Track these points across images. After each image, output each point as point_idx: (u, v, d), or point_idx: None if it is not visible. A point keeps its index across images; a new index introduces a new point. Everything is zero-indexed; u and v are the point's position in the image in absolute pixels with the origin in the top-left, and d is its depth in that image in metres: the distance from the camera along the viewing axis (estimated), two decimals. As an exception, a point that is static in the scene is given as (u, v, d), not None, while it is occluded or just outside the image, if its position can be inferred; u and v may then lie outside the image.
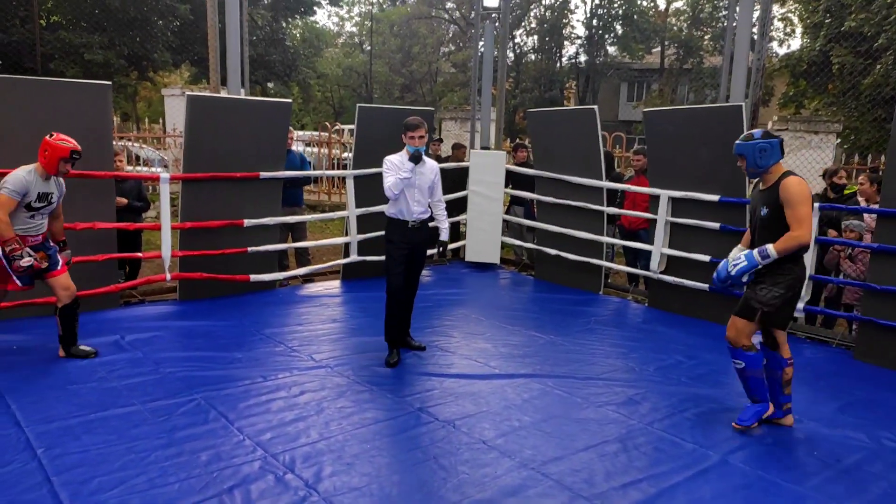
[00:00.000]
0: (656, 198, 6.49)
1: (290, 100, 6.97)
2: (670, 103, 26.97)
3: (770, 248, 3.64)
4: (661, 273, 6.51)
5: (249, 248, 6.33)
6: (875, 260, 5.22)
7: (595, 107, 7.20)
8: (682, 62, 29.39)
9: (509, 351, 5.14)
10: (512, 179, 8.24)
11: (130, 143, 13.04)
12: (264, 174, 6.36)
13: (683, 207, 6.32)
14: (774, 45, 23.17)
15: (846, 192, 6.17)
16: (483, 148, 8.75)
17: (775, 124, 9.66)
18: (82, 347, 4.64)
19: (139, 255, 6.20)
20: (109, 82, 5.82)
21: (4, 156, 5.20)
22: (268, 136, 6.40)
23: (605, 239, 7.16)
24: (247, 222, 6.28)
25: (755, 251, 3.70)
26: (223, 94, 7.06)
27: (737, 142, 3.79)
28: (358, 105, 7.29)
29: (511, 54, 30.95)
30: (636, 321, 6.25)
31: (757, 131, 3.79)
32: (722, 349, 5.41)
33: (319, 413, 3.87)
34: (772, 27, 22.28)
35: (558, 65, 32.48)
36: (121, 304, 5.97)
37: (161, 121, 15.08)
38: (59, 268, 4.51)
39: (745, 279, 3.79)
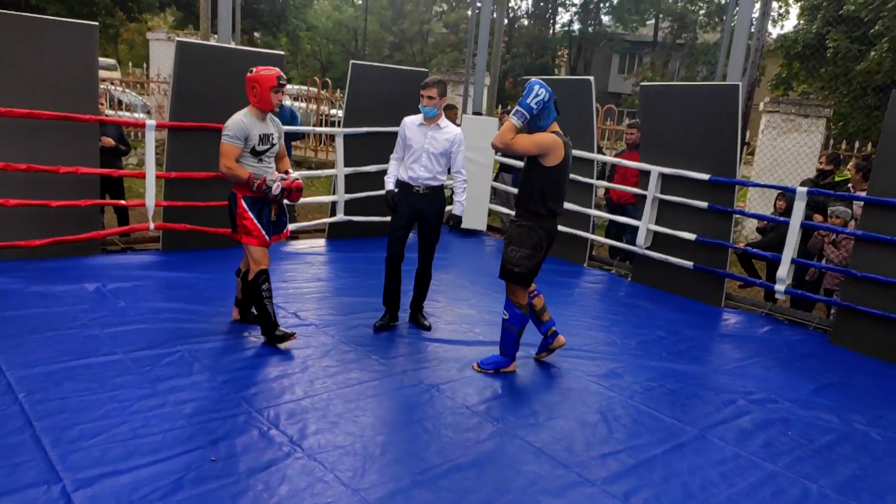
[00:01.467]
0: (647, 173, 6.50)
1: (282, 52, 6.81)
2: (661, 78, 26.86)
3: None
4: (647, 249, 6.55)
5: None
6: (858, 247, 5.29)
7: (591, 77, 7.13)
8: (676, 36, 29.20)
9: (493, 318, 5.15)
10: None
11: (113, 87, 12.69)
12: (253, 127, 6.22)
13: (673, 184, 6.34)
14: (769, 25, 23.01)
15: (838, 178, 6.23)
16: (475, 113, 8.66)
17: (767, 105, 9.67)
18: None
19: (123, 202, 6.10)
20: (96, 23, 5.63)
21: (-14, 93, 5.04)
22: (258, 88, 6.24)
23: (593, 212, 7.17)
24: (233, 175, 6.16)
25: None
26: (213, 42, 6.88)
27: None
28: (351, 62, 7.15)
29: (504, 19, 30.51)
30: (619, 295, 6.31)
31: (534, 80, 3.88)
32: (703, 327, 5.53)
33: (304, 371, 3.87)
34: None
35: (551, 31, 32.10)
36: (102, 251, 5.87)
37: (144, 65, 14.67)
38: (283, 231, 4.33)
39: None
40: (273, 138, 4.14)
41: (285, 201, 4.21)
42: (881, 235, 5.08)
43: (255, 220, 4.06)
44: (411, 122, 4.59)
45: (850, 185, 6.14)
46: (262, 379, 3.72)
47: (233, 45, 7.00)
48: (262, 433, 3.14)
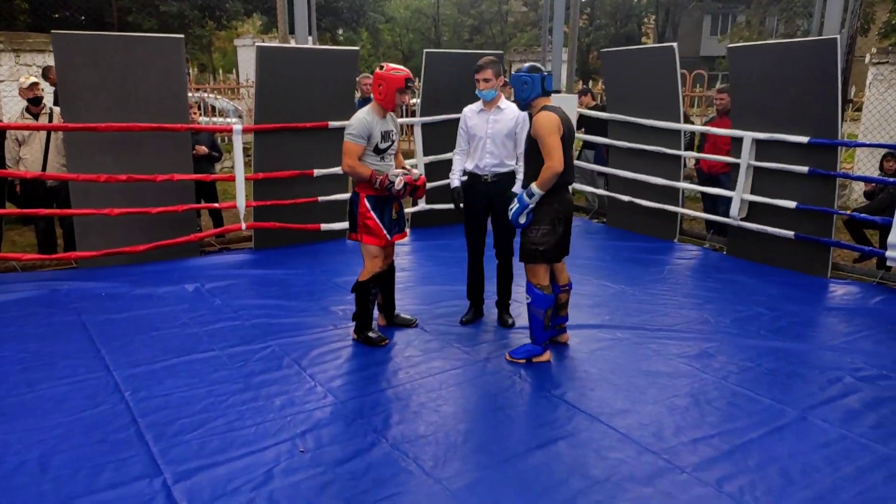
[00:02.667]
0: (739, 140, 6.14)
1: (357, 48, 6.92)
2: (758, 36, 25.27)
3: (534, 186, 3.74)
4: (742, 220, 6.20)
5: (320, 198, 6.42)
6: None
7: (674, 44, 6.79)
8: (772, -10, 27.32)
9: (578, 301, 5.05)
10: (584, 123, 7.97)
11: (206, 94, 13.34)
12: (333, 123, 6.38)
13: (768, 150, 5.95)
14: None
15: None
16: (554, 91, 8.46)
17: (874, 57, 8.88)
18: (403, 316, 4.55)
19: (216, 205, 6.41)
20: (182, 35, 5.91)
21: (87, 111, 5.42)
22: (335, 86, 6.39)
23: (682, 184, 6.86)
24: (317, 172, 6.35)
25: (524, 191, 3.81)
26: (291, 44, 7.08)
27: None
28: (425, 51, 7.16)
29: (584, -10, 29.62)
30: (713, 270, 6.02)
31: (526, 65, 3.87)
32: (807, 300, 5.20)
33: (388, 362, 3.94)
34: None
35: (636, -1, 30.90)
36: (200, 252, 6.20)
37: (234, 71, 15.33)
38: (403, 230, 4.30)
39: (522, 220, 3.81)
40: (393, 135, 4.11)
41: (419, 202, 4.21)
42: None
43: (378, 220, 4.04)
44: (471, 110, 4.45)
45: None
46: (347, 371, 3.81)
47: (310, 45, 7.17)
48: (347, 424, 3.23)
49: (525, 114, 4.26)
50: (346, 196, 6.68)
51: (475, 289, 4.65)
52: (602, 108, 7.89)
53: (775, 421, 3.33)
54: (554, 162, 3.67)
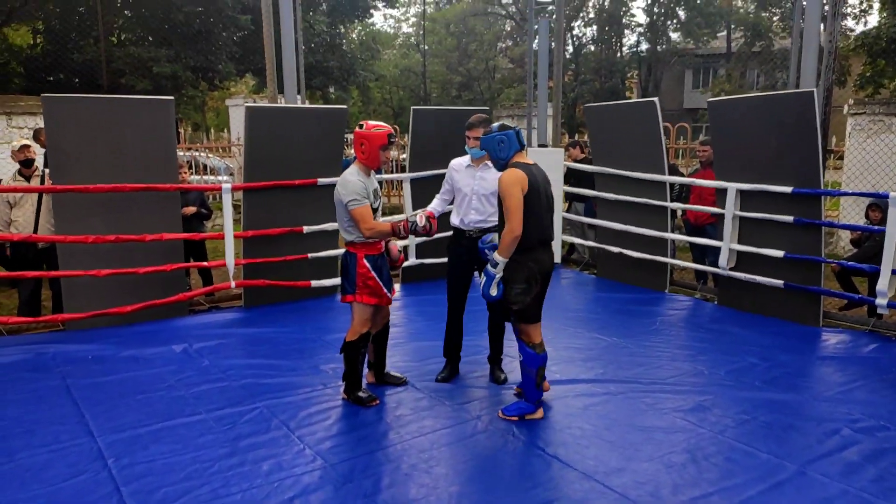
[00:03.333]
0: (723, 191, 6.22)
1: (345, 106, 7.04)
2: (739, 88, 25.95)
3: (496, 255, 3.73)
4: (731, 270, 6.23)
5: (310, 255, 6.41)
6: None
7: (655, 99, 6.95)
8: (751, 45, 28.20)
9: (570, 354, 5.02)
10: (572, 176, 8.07)
11: (198, 153, 13.47)
12: (322, 180, 6.43)
13: (753, 200, 6.03)
14: (850, 22, 21.93)
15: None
16: (540, 145, 8.60)
17: (851, 108, 9.11)
18: (393, 374, 4.50)
19: (205, 263, 6.38)
20: (171, 98, 6.00)
21: (79, 172, 5.44)
22: (324, 143, 6.46)
23: (670, 235, 6.91)
24: (306, 229, 6.36)
25: (489, 262, 3.79)
26: (281, 103, 7.19)
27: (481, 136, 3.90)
28: (412, 108, 7.28)
29: (570, 46, 30.46)
30: (705, 321, 6.00)
31: (495, 125, 3.87)
32: (800, 350, 5.17)
33: (378, 422, 3.87)
34: (845, 4, 21.10)
35: (619, 54, 31.74)
36: (189, 311, 6.14)
37: (226, 129, 15.52)
38: (392, 289, 4.21)
39: (494, 293, 3.78)
40: (379, 193, 4.13)
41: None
42: None
43: (378, 280, 4.01)
44: (459, 164, 4.48)
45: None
46: (336, 432, 3.73)
47: (299, 104, 7.29)
48: (336, 488, 3.13)
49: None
50: (337, 252, 6.69)
51: (452, 346, 4.60)
52: (589, 161, 8.00)
53: (774, 476, 3.26)
54: (513, 225, 3.62)
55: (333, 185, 6.53)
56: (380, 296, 4.03)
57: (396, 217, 4.43)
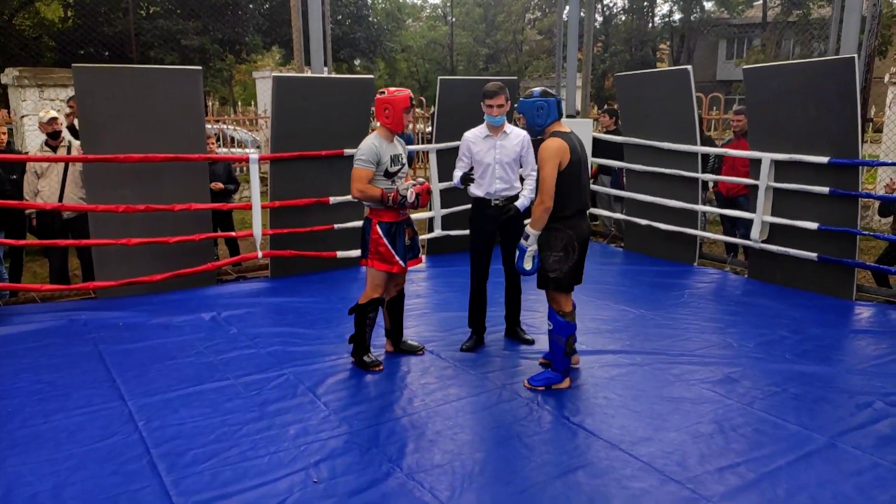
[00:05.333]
0: (757, 161, 6.06)
1: (371, 76, 6.99)
2: (774, 59, 25.23)
3: (527, 227, 3.73)
4: (764, 242, 6.10)
5: (336, 225, 6.43)
6: None
7: (689, 67, 6.78)
8: (787, 14, 27.35)
9: (597, 326, 4.98)
10: (599, 147, 7.94)
11: (225, 126, 13.54)
12: (348, 151, 6.41)
13: (788, 171, 5.87)
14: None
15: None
16: (569, 116, 8.47)
17: (893, 77, 8.80)
18: (410, 342, 4.52)
19: (233, 234, 6.44)
20: (200, 67, 6.01)
21: (110, 142, 5.50)
22: (350, 114, 6.44)
23: (701, 207, 6.78)
24: (332, 199, 6.37)
25: (522, 236, 3.77)
26: (307, 74, 7.17)
27: (520, 99, 3.75)
28: (439, 78, 7.20)
29: (599, 17, 29.85)
30: (735, 294, 5.91)
31: (537, 90, 3.78)
32: (832, 323, 5.07)
33: (403, 389, 3.89)
34: (890, -31, 20.27)
35: (650, 24, 31.04)
36: (217, 281, 6.21)
37: (253, 103, 15.57)
38: (418, 256, 4.28)
39: (528, 266, 3.73)
40: (402, 158, 4.12)
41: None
42: None
43: (390, 247, 4.03)
44: (475, 136, 4.43)
45: None
46: (362, 399, 3.76)
47: (325, 75, 7.26)
48: (362, 453, 3.17)
49: (527, 135, 4.29)
50: (361, 223, 6.70)
51: (477, 316, 4.61)
52: (618, 132, 7.85)
53: (803, 448, 3.21)
54: (543, 197, 3.62)
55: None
56: (391, 263, 4.05)
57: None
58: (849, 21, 5.87)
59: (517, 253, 3.81)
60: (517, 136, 4.38)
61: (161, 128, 5.69)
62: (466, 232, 7.18)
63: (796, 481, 2.94)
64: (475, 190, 4.42)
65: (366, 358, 4.18)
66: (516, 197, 4.43)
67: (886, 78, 8.97)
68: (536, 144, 3.84)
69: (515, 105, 4.01)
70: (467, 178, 4.41)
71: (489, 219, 4.41)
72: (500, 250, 4.54)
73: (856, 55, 5.41)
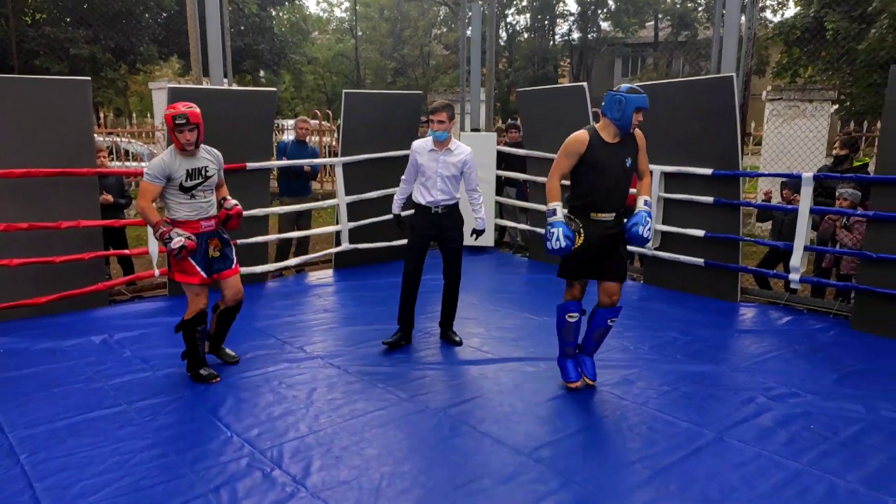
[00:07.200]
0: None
1: (273, 89, 6.86)
2: (666, 76, 26.70)
3: (649, 199, 3.93)
4: (656, 249, 6.43)
5: (238, 241, 6.25)
6: (871, 228, 5.14)
7: (584, 84, 7.07)
8: (677, 35, 29.06)
9: (502, 335, 5.09)
10: (504, 160, 8.13)
11: (119, 139, 12.92)
12: (251, 165, 6.27)
13: (677, 182, 6.23)
14: (769, 13, 22.87)
15: (857, 163, 6.08)
16: (473, 130, 8.63)
17: (769, 94, 9.52)
18: (228, 351, 4.49)
19: (127, 251, 6.14)
20: (88, 77, 5.71)
21: (-13, 156, 5.12)
22: (253, 127, 6.30)
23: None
24: (234, 214, 6.18)
25: (644, 209, 3.86)
26: (206, 85, 6.96)
27: (645, 97, 3.78)
28: (343, 91, 7.18)
29: (503, 33, 30.64)
30: (631, 299, 6.18)
31: (625, 86, 3.80)
32: (719, 324, 5.39)
33: (309, 406, 3.82)
34: (765, -5, 21.99)
35: (551, 42, 32.15)
36: (110, 302, 5.89)
37: (149, 114, 14.94)
38: (232, 267, 4.21)
39: (554, 246, 3.85)
40: (208, 171, 4.03)
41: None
42: (893, 214, 4.92)
43: (190, 258, 3.96)
44: (421, 147, 4.64)
45: (869, 169, 5.97)
46: (265, 418, 3.66)
47: (225, 87, 7.07)
48: (265, 475, 3.08)
49: (471, 153, 4.62)
50: (267, 238, 6.56)
51: (407, 313, 4.77)
52: (522, 146, 8.06)
53: (694, 443, 3.40)
54: (549, 176, 3.88)
55: (263, 170, 6.49)
56: (191, 274, 4.01)
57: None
58: (727, 42, 6.31)
59: (649, 222, 3.85)
60: (462, 152, 4.61)
61: (46, 141, 5.35)
62: (374, 245, 7.20)
63: (688, 476, 3.10)
64: (418, 197, 4.66)
65: (202, 371, 4.14)
66: (456, 205, 4.70)
67: (764, 95, 9.69)
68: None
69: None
70: (399, 221, 4.92)
71: (428, 224, 4.66)
72: (441, 255, 4.77)
73: (734, 74, 5.82)
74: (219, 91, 6.37)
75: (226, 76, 7.91)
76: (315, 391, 4.03)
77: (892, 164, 4.95)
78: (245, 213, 6.17)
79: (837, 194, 5.56)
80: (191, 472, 3.08)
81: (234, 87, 10.87)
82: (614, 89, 3.79)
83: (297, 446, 3.35)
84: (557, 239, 3.77)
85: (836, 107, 11.17)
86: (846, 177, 5.49)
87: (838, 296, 5.88)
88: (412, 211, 4.75)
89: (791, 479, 3.07)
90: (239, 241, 6.22)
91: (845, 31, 11.00)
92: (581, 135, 3.80)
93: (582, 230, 3.85)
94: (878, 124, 9.46)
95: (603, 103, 3.82)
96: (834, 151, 6.42)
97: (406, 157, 4.83)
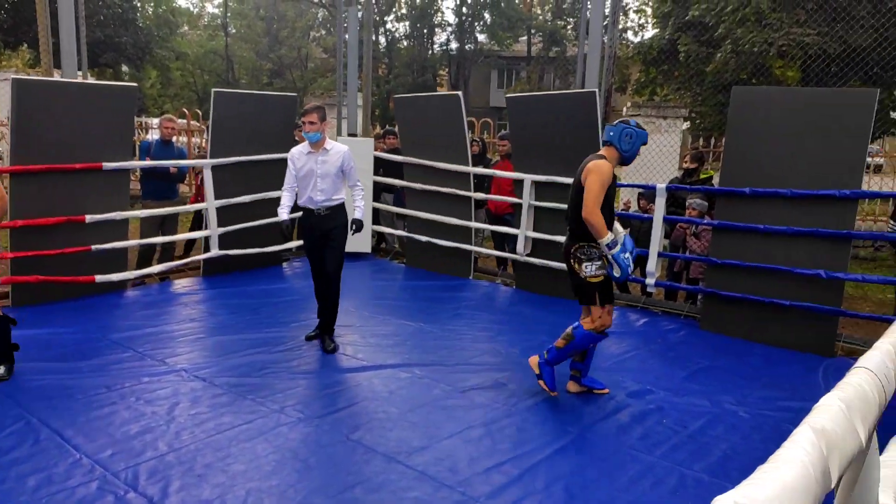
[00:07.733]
0: (521, 182, 6.62)
1: (134, 84, 6.47)
2: (537, 89, 27.85)
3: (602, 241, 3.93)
4: (528, 255, 6.67)
5: (94, 247, 5.81)
6: (716, 236, 5.61)
7: (459, 93, 7.22)
8: (548, 50, 30.42)
9: (378, 341, 5.07)
10: (381, 166, 8.13)
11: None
12: (108, 165, 5.86)
13: (547, 191, 6.49)
14: (630, 34, 24.50)
15: (703, 175, 6.59)
16: (350, 135, 8.57)
17: (629, 110, 10.19)
18: None
19: (-39, 258, 5.54)
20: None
21: None
22: (111, 124, 5.89)
23: (474, 224, 7.23)
24: (88, 218, 5.76)
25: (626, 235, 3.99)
26: (57, 78, 6.44)
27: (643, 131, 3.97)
28: (213, 90, 6.88)
29: (383, 39, 30.70)
30: (504, 304, 6.37)
31: (633, 121, 4.05)
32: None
33: (170, 422, 3.61)
34: (626, 18, 23.54)
35: (430, 51, 32.62)
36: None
37: (-7, 108, 13.57)
38: None
39: (618, 274, 3.96)
40: None
41: None
42: (734, 223, 5.41)
43: None
44: (298, 151, 4.75)
45: (714, 182, 6.51)
46: (121, 437, 3.42)
47: (79, 80, 6.57)
48: (117, 498, 2.87)
49: (349, 151, 4.73)
50: (125, 244, 6.13)
51: (318, 309, 4.96)
52: (400, 152, 8.09)
53: (559, 441, 3.54)
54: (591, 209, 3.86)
55: (121, 171, 6.09)
56: None
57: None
58: (591, 60, 6.68)
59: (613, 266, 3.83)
60: (338, 151, 4.73)
61: None
62: (246, 251, 6.94)
63: (553, 472, 3.23)
64: (302, 201, 4.75)
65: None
66: (340, 206, 4.78)
67: (625, 110, 10.34)
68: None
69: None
70: (282, 229, 4.90)
71: (313, 225, 4.75)
72: (320, 260, 4.81)
73: (597, 89, 6.17)
74: (71, 84, 5.90)
75: (80, 69, 7.37)
76: (177, 406, 3.81)
77: (735, 177, 5.44)
78: (101, 216, 5.81)
79: (687, 204, 6.03)
80: (32, 500, 2.82)
81: (91, 80, 10.13)
82: (625, 122, 3.93)
83: (154, 466, 3.15)
84: (629, 265, 3.86)
85: (688, 124, 12.13)
86: (695, 188, 5.97)
87: (688, 298, 6.37)
88: (300, 213, 4.87)
89: (645, 471, 3.28)
90: (93, 247, 5.80)
91: (695, 54, 11.96)
92: (608, 165, 3.87)
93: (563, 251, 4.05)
94: (723, 140, 10.38)
95: (611, 133, 3.92)
96: (684, 164, 6.96)
97: (280, 161, 4.78)
